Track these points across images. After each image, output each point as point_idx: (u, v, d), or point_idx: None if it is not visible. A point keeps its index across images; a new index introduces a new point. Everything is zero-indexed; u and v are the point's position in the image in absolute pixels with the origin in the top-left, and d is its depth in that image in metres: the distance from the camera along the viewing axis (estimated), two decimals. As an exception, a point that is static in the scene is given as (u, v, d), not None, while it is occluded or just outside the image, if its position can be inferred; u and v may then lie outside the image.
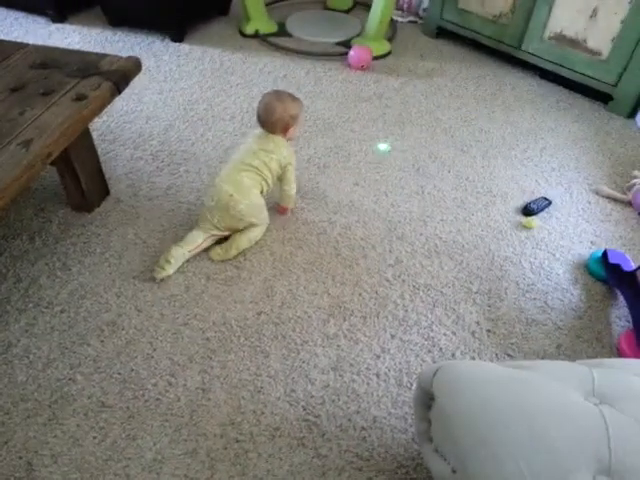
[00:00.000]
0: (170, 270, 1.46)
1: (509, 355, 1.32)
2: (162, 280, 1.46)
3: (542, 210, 1.74)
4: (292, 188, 1.63)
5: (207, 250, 1.54)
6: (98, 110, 1.44)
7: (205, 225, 1.52)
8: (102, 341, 1.30)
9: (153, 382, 1.23)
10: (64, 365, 1.25)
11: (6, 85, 1.43)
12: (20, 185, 1.18)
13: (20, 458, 1.09)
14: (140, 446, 1.12)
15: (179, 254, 1.47)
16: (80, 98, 1.40)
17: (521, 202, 1.78)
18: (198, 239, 1.51)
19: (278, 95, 1.55)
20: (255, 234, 1.57)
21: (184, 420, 1.17)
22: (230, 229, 1.54)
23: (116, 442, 1.12)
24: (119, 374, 1.24)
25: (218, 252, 1.53)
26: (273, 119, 1.52)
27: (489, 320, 1.40)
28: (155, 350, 1.30)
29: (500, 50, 2.52)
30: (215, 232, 1.53)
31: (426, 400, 0.99)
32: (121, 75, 1.52)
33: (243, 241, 1.54)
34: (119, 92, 1.51)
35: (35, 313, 1.35)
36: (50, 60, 1.54)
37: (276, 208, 1.67)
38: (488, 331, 1.37)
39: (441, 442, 0.91)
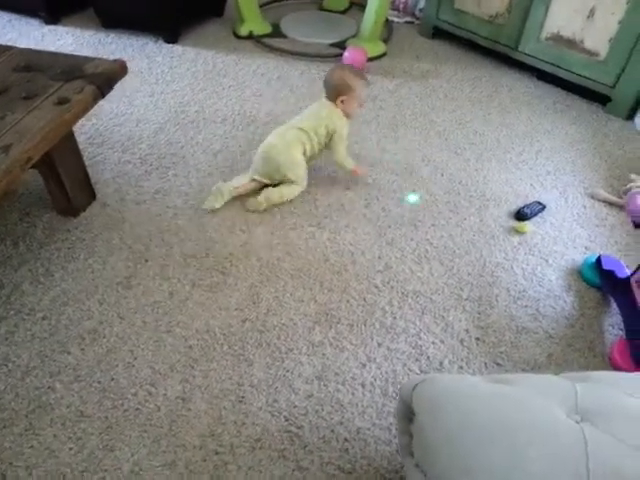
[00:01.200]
0: (218, 204, 1.65)
1: (498, 364, 1.29)
2: (210, 211, 1.66)
3: (536, 215, 1.71)
4: (340, 158, 1.73)
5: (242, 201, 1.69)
6: (81, 114, 1.41)
7: (252, 171, 1.72)
8: (83, 349, 1.28)
9: (133, 391, 1.21)
10: (44, 373, 1.23)
11: (-11, 88, 1.42)
12: (-2, 191, 1.16)
13: (-6, 470, 1.07)
14: (118, 457, 1.09)
15: (226, 190, 1.66)
16: (62, 102, 1.38)
17: (514, 206, 1.75)
18: (243, 180, 1.71)
19: (342, 65, 1.75)
20: (288, 191, 1.69)
21: (163, 431, 1.14)
22: (269, 178, 1.70)
23: (93, 453, 1.10)
24: (99, 383, 1.22)
25: (251, 201, 1.67)
26: (330, 82, 1.70)
27: (479, 328, 1.37)
28: (136, 359, 1.27)
29: (496, 51, 2.48)
30: (257, 177, 1.70)
31: (408, 413, 0.96)
32: (105, 78, 1.50)
33: (274, 194, 1.67)
34: (103, 96, 1.49)
35: (16, 320, 1.33)
36: (34, 63, 1.52)
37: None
38: (477, 339, 1.34)
39: (421, 457, 0.88)
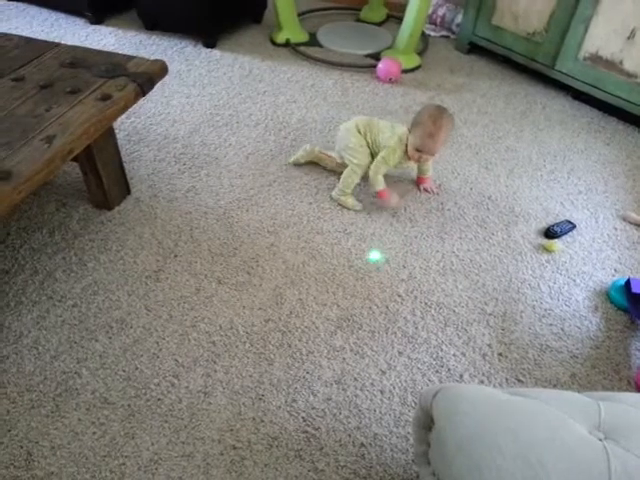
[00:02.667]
0: (300, 157, 1.88)
1: (520, 381, 1.28)
2: (290, 163, 1.90)
3: (565, 233, 1.69)
4: (372, 172, 1.71)
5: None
6: (122, 110, 1.46)
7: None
8: (110, 338, 1.32)
9: (156, 382, 1.23)
10: (71, 359, 1.27)
11: (36, 82, 1.47)
12: (39, 179, 1.21)
13: (21, 447, 1.10)
14: (138, 445, 1.12)
15: (310, 149, 1.87)
16: (105, 98, 1.43)
17: (544, 224, 1.73)
18: (330, 152, 1.86)
19: (441, 107, 1.67)
20: (345, 174, 1.75)
21: (183, 422, 1.16)
22: (340, 157, 1.81)
23: (115, 439, 1.13)
24: (124, 371, 1.25)
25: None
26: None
27: (502, 343, 1.36)
28: (161, 350, 1.30)
29: (532, 68, 2.47)
30: (334, 154, 1.84)
31: (427, 422, 0.96)
32: (146, 77, 1.55)
33: (341, 177, 1.77)
34: (144, 94, 1.54)
35: (48, 306, 1.38)
36: (80, 60, 1.58)
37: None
38: (500, 355, 1.33)
39: (438, 466, 0.88)
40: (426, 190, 1.83)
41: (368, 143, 1.76)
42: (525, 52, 2.46)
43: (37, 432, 1.13)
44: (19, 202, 1.18)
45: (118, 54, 1.65)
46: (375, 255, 1.56)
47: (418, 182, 1.85)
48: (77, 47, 1.68)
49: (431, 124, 1.58)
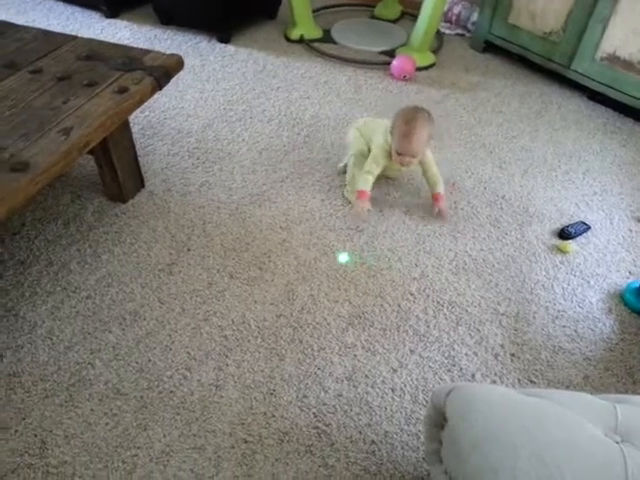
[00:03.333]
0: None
1: (532, 382, 1.27)
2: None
3: (580, 235, 1.68)
4: (362, 169, 1.68)
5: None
6: (138, 104, 1.47)
7: None
8: (123, 329, 1.33)
9: (169, 374, 1.24)
10: (85, 350, 1.28)
11: (53, 74, 1.48)
12: (56, 171, 1.22)
13: (35, 436, 1.12)
14: (150, 437, 1.13)
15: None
16: (122, 91, 1.43)
17: (558, 225, 1.72)
18: None
19: (418, 109, 1.63)
20: (347, 169, 1.78)
21: (195, 415, 1.17)
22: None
23: (127, 430, 1.14)
24: (136, 363, 1.26)
25: None
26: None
27: (514, 344, 1.35)
28: (173, 343, 1.31)
29: (548, 68, 2.45)
30: None
31: (439, 420, 0.96)
32: (163, 71, 1.55)
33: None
34: (160, 87, 1.54)
35: (62, 297, 1.39)
36: (96, 53, 1.59)
37: None
38: (512, 355, 1.33)
39: (451, 464, 0.88)
40: (439, 214, 1.69)
41: (366, 142, 1.75)
42: (541, 51, 2.44)
43: (51, 421, 1.14)
44: (36, 193, 1.19)
45: (134, 48, 1.65)
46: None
47: (433, 200, 1.72)
48: (94, 40, 1.69)
49: (404, 125, 1.55)
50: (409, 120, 1.55)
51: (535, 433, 0.75)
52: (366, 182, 1.65)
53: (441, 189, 1.70)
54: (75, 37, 1.68)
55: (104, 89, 1.44)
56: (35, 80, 1.46)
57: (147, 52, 1.62)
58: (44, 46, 1.61)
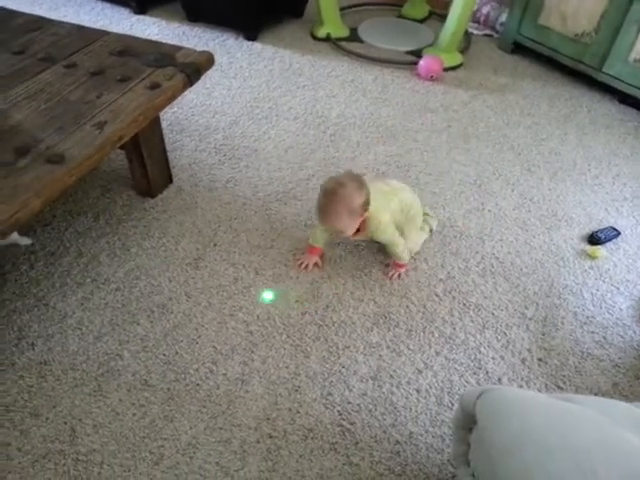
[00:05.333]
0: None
1: (560, 387, 1.25)
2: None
3: (609, 240, 1.65)
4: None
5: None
6: (170, 99, 1.48)
7: None
8: (151, 322, 1.34)
9: (195, 367, 1.25)
10: (113, 341, 1.30)
11: (87, 69, 1.51)
12: (90, 164, 1.24)
13: (65, 423, 1.14)
14: (177, 428, 1.14)
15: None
16: (154, 87, 1.45)
17: (587, 230, 1.69)
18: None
19: (340, 179, 1.33)
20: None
21: (221, 409, 1.18)
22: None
23: (154, 421, 1.15)
24: (164, 355, 1.27)
25: None
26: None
27: (541, 349, 1.34)
28: (200, 337, 1.32)
29: (578, 70, 2.41)
30: None
31: (467, 422, 0.95)
32: (194, 68, 1.56)
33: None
34: (191, 84, 1.55)
35: (92, 288, 1.41)
36: (129, 49, 1.61)
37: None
38: (539, 360, 1.31)
39: (479, 468, 0.87)
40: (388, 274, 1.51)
41: None
42: (571, 53, 2.40)
43: (80, 410, 1.16)
44: (70, 186, 1.21)
45: (166, 44, 1.67)
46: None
47: None
48: (126, 36, 1.71)
49: (322, 197, 1.32)
50: (327, 192, 1.30)
51: (570, 437, 0.73)
52: (315, 239, 1.50)
53: (398, 259, 1.47)
54: (108, 32, 1.71)
55: (137, 84, 1.46)
56: (69, 74, 1.48)
57: (179, 48, 1.64)
58: (78, 41, 1.64)
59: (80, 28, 1.73)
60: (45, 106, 1.36)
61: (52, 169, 1.16)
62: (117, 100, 1.39)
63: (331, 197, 1.30)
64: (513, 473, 0.74)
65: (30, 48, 1.58)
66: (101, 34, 1.69)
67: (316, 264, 1.53)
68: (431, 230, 1.63)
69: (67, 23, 1.75)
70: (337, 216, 1.31)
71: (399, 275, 1.50)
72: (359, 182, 1.32)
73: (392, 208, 1.43)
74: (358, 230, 1.40)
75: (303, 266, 1.52)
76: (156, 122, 1.61)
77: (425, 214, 1.62)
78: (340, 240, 1.59)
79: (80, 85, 1.44)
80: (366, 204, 1.32)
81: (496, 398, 0.84)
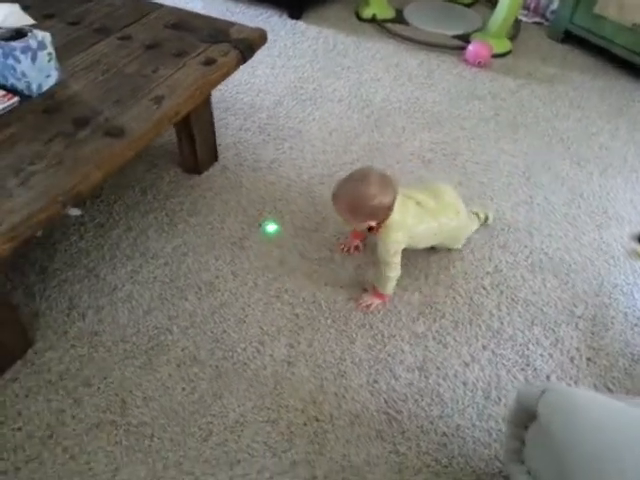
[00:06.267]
0: None
1: (609, 389, 1.23)
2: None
3: (662, 241, 1.60)
4: None
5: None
6: (224, 76, 1.47)
7: None
8: (199, 298, 1.35)
9: (242, 346, 1.26)
10: (163, 315, 1.31)
11: (142, 42, 1.49)
12: (149, 139, 1.24)
13: (116, 395, 1.16)
14: (225, 406, 1.15)
15: None
16: (209, 62, 1.43)
17: (639, 229, 1.65)
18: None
19: (352, 177, 1.29)
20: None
21: (268, 389, 1.19)
22: None
23: (203, 397, 1.16)
24: (212, 333, 1.28)
25: None
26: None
27: (590, 348, 1.31)
28: (247, 316, 1.33)
29: (632, 62, 2.32)
30: None
31: (524, 419, 0.94)
32: (248, 44, 1.54)
33: None
34: (244, 61, 1.54)
35: (141, 262, 1.43)
36: (183, 22, 1.59)
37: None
38: (588, 359, 1.29)
39: (539, 467, 0.87)
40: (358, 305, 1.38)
41: None
42: (627, 44, 2.30)
43: (131, 382, 1.18)
44: (130, 160, 1.21)
45: (219, 19, 1.65)
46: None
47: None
48: (179, 9, 1.69)
49: (341, 180, 1.28)
50: (347, 180, 1.27)
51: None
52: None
53: (381, 287, 1.35)
54: (162, 5, 1.69)
55: (192, 59, 1.44)
56: (124, 46, 1.48)
57: (232, 24, 1.61)
58: (132, 12, 1.63)
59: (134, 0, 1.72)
60: (102, 78, 1.36)
61: (112, 142, 1.16)
62: (173, 75, 1.38)
63: (347, 186, 1.24)
64: (583, 475, 0.73)
65: (85, 19, 1.57)
66: (155, 6, 1.68)
67: (357, 247, 1.52)
68: (487, 218, 1.58)
69: (120, -6, 1.73)
70: (340, 207, 1.26)
71: (369, 306, 1.35)
72: (384, 187, 1.23)
73: (417, 232, 1.33)
74: (376, 228, 1.31)
75: (345, 249, 1.51)
76: (208, 99, 1.60)
77: (475, 213, 1.56)
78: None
79: (135, 58, 1.43)
80: (383, 210, 1.24)
81: (563, 399, 0.83)
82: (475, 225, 1.55)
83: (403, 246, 1.32)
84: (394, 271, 1.32)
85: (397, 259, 1.31)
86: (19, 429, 1.10)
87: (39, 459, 1.06)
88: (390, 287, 1.35)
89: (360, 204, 1.22)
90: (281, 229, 1.36)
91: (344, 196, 1.25)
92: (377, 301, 1.37)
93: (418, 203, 1.35)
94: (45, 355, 1.21)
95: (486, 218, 1.59)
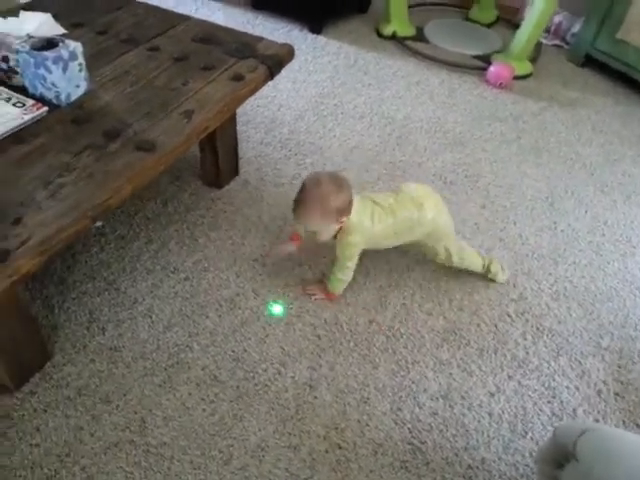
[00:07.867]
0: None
1: (638, 426, 1.20)
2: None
3: (688, 273, 1.58)
4: None
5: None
6: (252, 92, 1.46)
7: None
8: (220, 316, 1.33)
9: (263, 367, 1.24)
10: (183, 332, 1.29)
11: (170, 54, 1.49)
12: (178, 154, 1.23)
13: (135, 413, 1.13)
14: (246, 428, 1.13)
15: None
16: (237, 78, 1.42)
17: (663, 259, 1.63)
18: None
19: (317, 176, 1.29)
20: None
21: (290, 413, 1.16)
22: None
23: (224, 419, 1.14)
24: (233, 352, 1.26)
25: None
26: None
27: (618, 382, 1.29)
28: (267, 336, 1.30)
29: (655, 89, 2.32)
30: None
31: (558, 458, 0.91)
32: (276, 61, 1.54)
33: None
34: (272, 77, 1.53)
35: (162, 276, 1.41)
36: (211, 36, 1.58)
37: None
38: (616, 394, 1.26)
39: (577, 510, 0.84)
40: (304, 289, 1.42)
41: None
42: (650, 71, 2.30)
43: (150, 400, 1.16)
44: (160, 174, 1.20)
45: (247, 34, 1.64)
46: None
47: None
48: (206, 22, 1.69)
49: (298, 191, 1.27)
50: (303, 188, 1.26)
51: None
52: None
53: (332, 286, 1.38)
54: (189, 17, 1.69)
55: (220, 74, 1.43)
56: (153, 58, 1.47)
57: (259, 39, 1.61)
58: (160, 24, 1.62)
59: (161, 10, 1.72)
60: (131, 89, 1.35)
61: (143, 156, 1.14)
62: (202, 89, 1.37)
63: (306, 193, 1.24)
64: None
65: (113, 28, 1.57)
66: (182, 18, 1.68)
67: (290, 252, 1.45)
68: (489, 270, 1.47)
69: (145, 3, 1.73)
70: (308, 214, 1.25)
71: (315, 298, 1.39)
72: (339, 185, 1.24)
73: (375, 232, 1.31)
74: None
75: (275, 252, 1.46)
76: (233, 114, 1.59)
77: (483, 258, 1.47)
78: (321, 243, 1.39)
79: (164, 70, 1.43)
80: (344, 210, 1.24)
81: (607, 443, 0.80)
82: (469, 249, 1.46)
83: (360, 249, 1.34)
84: (346, 274, 1.36)
85: (351, 263, 1.34)
86: (37, 445, 1.07)
87: (57, 478, 1.03)
88: (339, 288, 1.39)
89: (325, 203, 1.21)
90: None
91: (309, 202, 1.23)
92: (325, 298, 1.41)
93: (376, 202, 1.33)
94: (64, 369, 1.19)
95: (488, 270, 1.47)
